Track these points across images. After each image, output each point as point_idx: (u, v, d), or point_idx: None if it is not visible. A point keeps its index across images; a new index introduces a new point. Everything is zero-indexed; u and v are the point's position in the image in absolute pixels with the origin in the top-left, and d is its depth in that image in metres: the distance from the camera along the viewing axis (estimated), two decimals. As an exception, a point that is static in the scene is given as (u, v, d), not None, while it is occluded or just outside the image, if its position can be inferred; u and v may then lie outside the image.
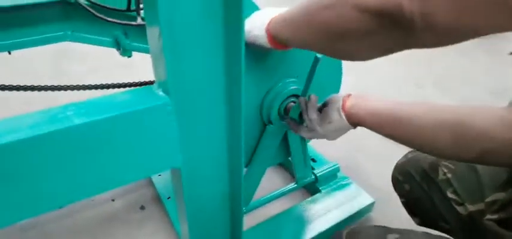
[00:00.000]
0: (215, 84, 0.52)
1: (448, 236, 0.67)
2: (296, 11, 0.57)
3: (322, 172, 1.23)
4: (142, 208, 1.24)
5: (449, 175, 0.74)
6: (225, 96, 0.54)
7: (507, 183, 0.67)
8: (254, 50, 0.72)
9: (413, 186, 0.82)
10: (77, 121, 0.42)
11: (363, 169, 1.47)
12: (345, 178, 1.27)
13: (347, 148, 1.56)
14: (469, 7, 0.37)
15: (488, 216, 0.68)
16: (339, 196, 1.19)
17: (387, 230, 0.65)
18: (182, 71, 0.47)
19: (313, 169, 1.24)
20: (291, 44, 0.63)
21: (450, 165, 0.75)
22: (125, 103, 0.46)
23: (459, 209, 0.72)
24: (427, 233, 0.64)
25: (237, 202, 0.71)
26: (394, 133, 0.65)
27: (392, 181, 0.90)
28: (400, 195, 0.89)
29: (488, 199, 0.68)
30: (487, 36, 0.41)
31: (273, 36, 0.63)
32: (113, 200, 1.27)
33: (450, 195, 0.73)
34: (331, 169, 1.25)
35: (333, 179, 1.26)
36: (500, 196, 0.67)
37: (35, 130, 0.41)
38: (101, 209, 1.23)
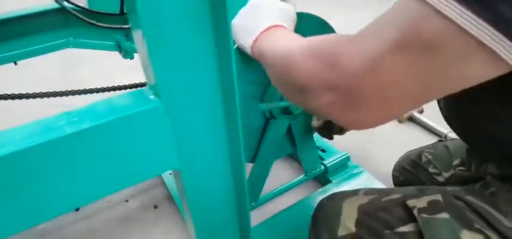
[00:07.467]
0: (207, 84, 0.51)
1: None
2: (274, 54, 0.55)
3: (332, 162, 1.22)
4: (155, 207, 1.26)
5: (429, 157, 0.93)
6: (219, 94, 0.54)
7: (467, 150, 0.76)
8: None
9: (406, 175, 1.01)
10: (69, 130, 0.43)
11: (373, 157, 1.44)
12: (355, 166, 1.25)
13: (357, 137, 1.53)
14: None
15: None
16: (350, 185, 1.18)
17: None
18: (171, 73, 0.47)
19: (322, 159, 1.23)
20: None
21: (431, 150, 0.95)
22: (116, 109, 0.46)
23: (439, 178, 0.88)
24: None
25: (242, 197, 0.71)
26: None
27: (392, 180, 1.09)
28: (396, 186, 1.08)
29: (454, 163, 0.86)
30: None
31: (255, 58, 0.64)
32: (127, 201, 1.29)
33: (431, 170, 0.91)
34: (341, 158, 1.23)
35: (343, 169, 1.24)
36: (462, 159, 0.83)
37: (28, 141, 0.41)
38: (115, 211, 1.25)
